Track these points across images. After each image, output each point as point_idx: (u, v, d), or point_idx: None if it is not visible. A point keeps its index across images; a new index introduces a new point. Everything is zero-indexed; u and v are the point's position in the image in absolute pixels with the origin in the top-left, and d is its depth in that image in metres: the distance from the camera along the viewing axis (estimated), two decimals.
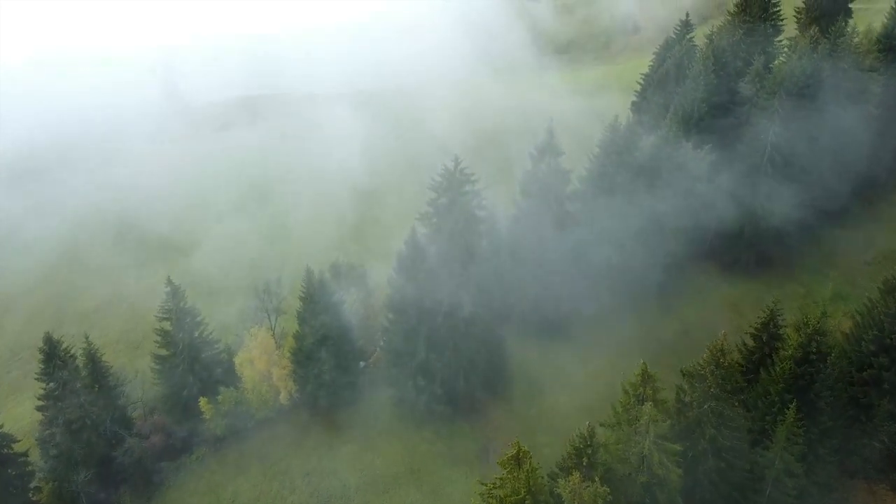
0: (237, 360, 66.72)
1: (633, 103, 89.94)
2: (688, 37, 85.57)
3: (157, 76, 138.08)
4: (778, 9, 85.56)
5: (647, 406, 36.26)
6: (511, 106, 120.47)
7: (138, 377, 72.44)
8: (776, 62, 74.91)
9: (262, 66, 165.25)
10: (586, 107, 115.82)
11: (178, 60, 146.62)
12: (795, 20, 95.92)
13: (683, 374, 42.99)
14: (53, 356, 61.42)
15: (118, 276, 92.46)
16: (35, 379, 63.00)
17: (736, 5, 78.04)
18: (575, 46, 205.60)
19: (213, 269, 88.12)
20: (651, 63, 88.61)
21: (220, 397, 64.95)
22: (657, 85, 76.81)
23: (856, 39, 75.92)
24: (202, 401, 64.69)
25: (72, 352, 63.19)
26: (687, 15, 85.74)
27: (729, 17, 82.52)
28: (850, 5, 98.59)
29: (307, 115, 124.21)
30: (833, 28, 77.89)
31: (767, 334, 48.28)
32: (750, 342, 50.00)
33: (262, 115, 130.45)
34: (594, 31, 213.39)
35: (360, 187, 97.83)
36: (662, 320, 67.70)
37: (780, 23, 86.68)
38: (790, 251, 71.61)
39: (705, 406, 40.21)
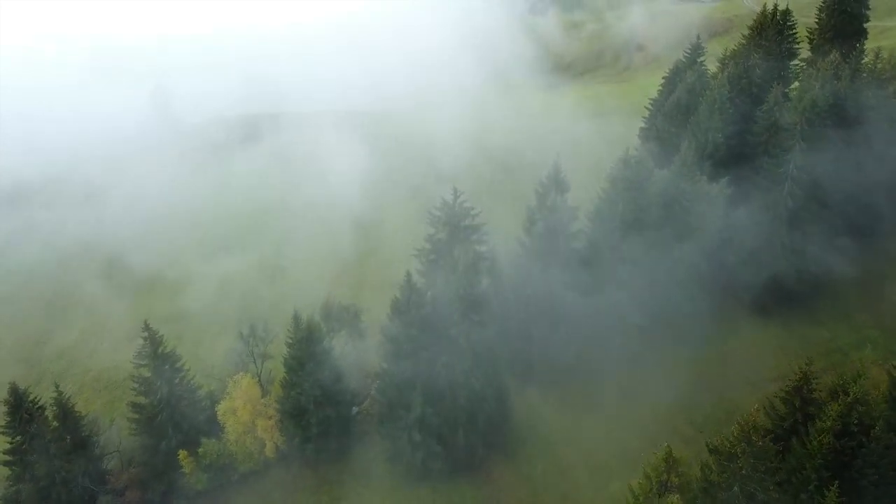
0: (220, 410, 62.03)
1: (642, 130, 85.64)
2: (699, 59, 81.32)
3: (152, 96, 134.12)
4: (794, 31, 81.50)
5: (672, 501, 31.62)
6: (517, 128, 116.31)
7: (114, 425, 68.10)
8: (794, 88, 70.52)
9: (259, 87, 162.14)
10: (593, 130, 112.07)
11: (171, 82, 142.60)
12: (808, 41, 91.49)
13: (710, 450, 38.27)
14: (20, 408, 56.87)
15: (102, 311, 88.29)
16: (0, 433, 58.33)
17: (750, 28, 73.82)
18: (579, 64, 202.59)
19: (203, 307, 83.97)
20: (660, 87, 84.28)
21: (201, 450, 60.58)
22: (669, 113, 72.46)
23: (879, 65, 71.64)
24: (181, 454, 60.32)
25: (40, 402, 58.74)
26: (698, 37, 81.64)
27: (742, 40, 78.18)
28: (864, 25, 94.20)
29: (304, 138, 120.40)
30: (854, 52, 73.85)
31: (800, 399, 43.44)
32: (780, 407, 45.19)
33: (257, 139, 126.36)
34: (598, 49, 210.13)
35: (358, 217, 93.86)
36: (677, 368, 62.81)
37: (797, 46, 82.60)
38: (814, 291, 66.88)
39: (735, 488, 35.51)
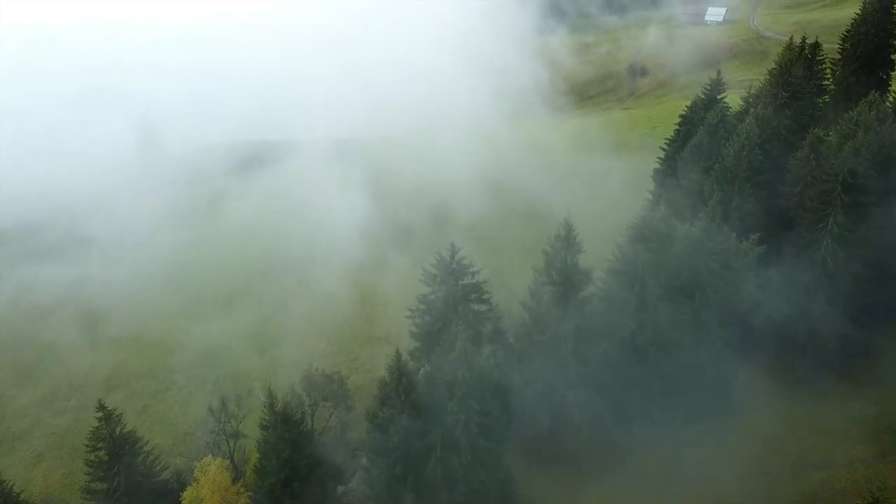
0: (185, 499, 54.46)
1: (656, 171, 78.75)
2: (719, 97, 74.71)
3: (138, 129, 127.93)
4: (822, 65, 75.05)
5: None
6: (525, 162, 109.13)
7: None
8: (827, 131, 63.60)
9: (254, 115, 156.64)
10: (602, 166, 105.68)
11: (158, 113, 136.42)
12: (830, 73, 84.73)
13: None
14: None
15: (71, 365, 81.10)
16: None
17: (779, 65, 66.95)
18: (583, 90, 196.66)
19: (180, 365, 77.15)
20: (677, 126, 77.51)
21: None
22: (690, 158, 65.56)
23: None
24: None
25: None
26: (718, 72, 75.00)
27: (768, 77, 71.49)
28: (893, 56, 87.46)
29: (299, 175, 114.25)
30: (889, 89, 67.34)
31: None
32: None
33: (251, 176, 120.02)
34: (602, 75, 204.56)
35: (353, 269, 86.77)
36: (703, 450, 55.32)
37: (825, 83, 76.23)
38: (858, 362, 59.60)
39: None
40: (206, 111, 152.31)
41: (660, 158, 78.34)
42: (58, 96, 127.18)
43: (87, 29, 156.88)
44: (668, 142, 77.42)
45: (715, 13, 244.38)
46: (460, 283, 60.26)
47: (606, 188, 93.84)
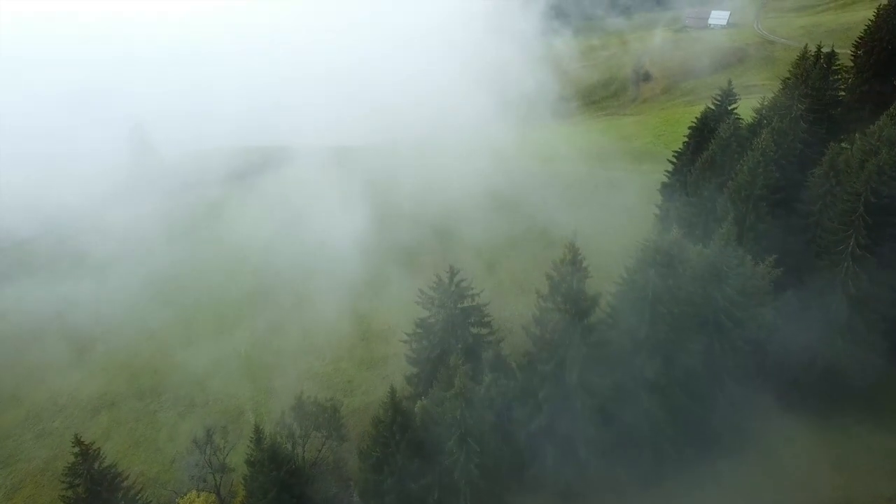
0: None
1: (664, 185, 75.54)
2: (730, 107, 71.51)
3: (129, 138, 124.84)
4: (838, 76, 71.74)
5: None
6: (531, 173, 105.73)
7: None
8: (843, 145, 60.36)
9: (253, 121, 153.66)
10: (607, 176, 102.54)
11: (150, 121, 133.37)
12: (843, 81, 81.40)
13: None
14: None
15: (58, 381, 77.98)
16: None
17: (794, 74, 63.74)
18: (585, 95, 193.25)
19: (171, 385, 73.98)
20: (686, 138, 74.28)
21: None
22: (701, 174, 62.33)
23: None
24: None
25: None
26: (730, 82, 71.65)
27: (782, 87, 68.31)
28: None
29: (298, 182, 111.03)
30: None
31: None
32: None
33: (247, 185, 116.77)
34: (605, 79, 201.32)
35: (350, 286, 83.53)
36: (716, 486, 52.06)
37: (841, 95, 72.93)
38: (879, 392, 56.32)
39: None
40: (202, 116, 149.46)
41: (668, 172, 75.15)
42: (47, 101, 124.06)
43: (76, 30, 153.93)
44: (676, 154, 74.19)
45: (719, 16, 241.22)
46: (459, 306, 57.25)
47: (611, 201, 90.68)
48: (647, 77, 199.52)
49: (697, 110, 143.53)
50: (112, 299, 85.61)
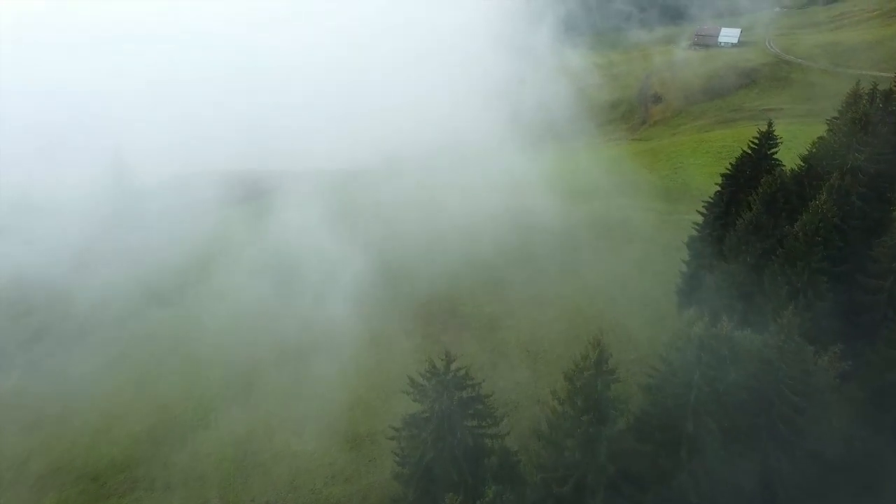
0: None
1: (692, 238, 66.03)
2: (770, 152, 62.04)
3: (108, 164, 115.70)
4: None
5: None
6: (549, 212, 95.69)
7: None
8: None
9: (250, 146, 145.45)
10: (620, 213, 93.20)
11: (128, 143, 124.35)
12: None
13: None
14: None
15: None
16: None
17: (854, 120, 54.05)
18: (592, 117, 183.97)
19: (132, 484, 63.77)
20: (719, 186, 64.67)
21: None
22: (743, 237, 52.66)
23: None
24: None
25: None
26: (769, 123, 61.89)
27: (829, 132, 58.92)
28: None
29: (291, 206, 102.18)
30: None
31: None
32: None
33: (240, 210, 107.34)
34: (613, 100, 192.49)
35: (340, 349, 73.70)
36: None
37: None
38: None
39: None
40: (189, 140, 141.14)
41: (697, 225, 65.51)
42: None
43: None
44: (706, 205, 64.55)
45: (729, 34, 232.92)
46: (456, 397, 47.64)
47: (627, 249, 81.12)
48: (656, 99, 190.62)
49: (713, 137, 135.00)
50: (78, 378, 75.00)
